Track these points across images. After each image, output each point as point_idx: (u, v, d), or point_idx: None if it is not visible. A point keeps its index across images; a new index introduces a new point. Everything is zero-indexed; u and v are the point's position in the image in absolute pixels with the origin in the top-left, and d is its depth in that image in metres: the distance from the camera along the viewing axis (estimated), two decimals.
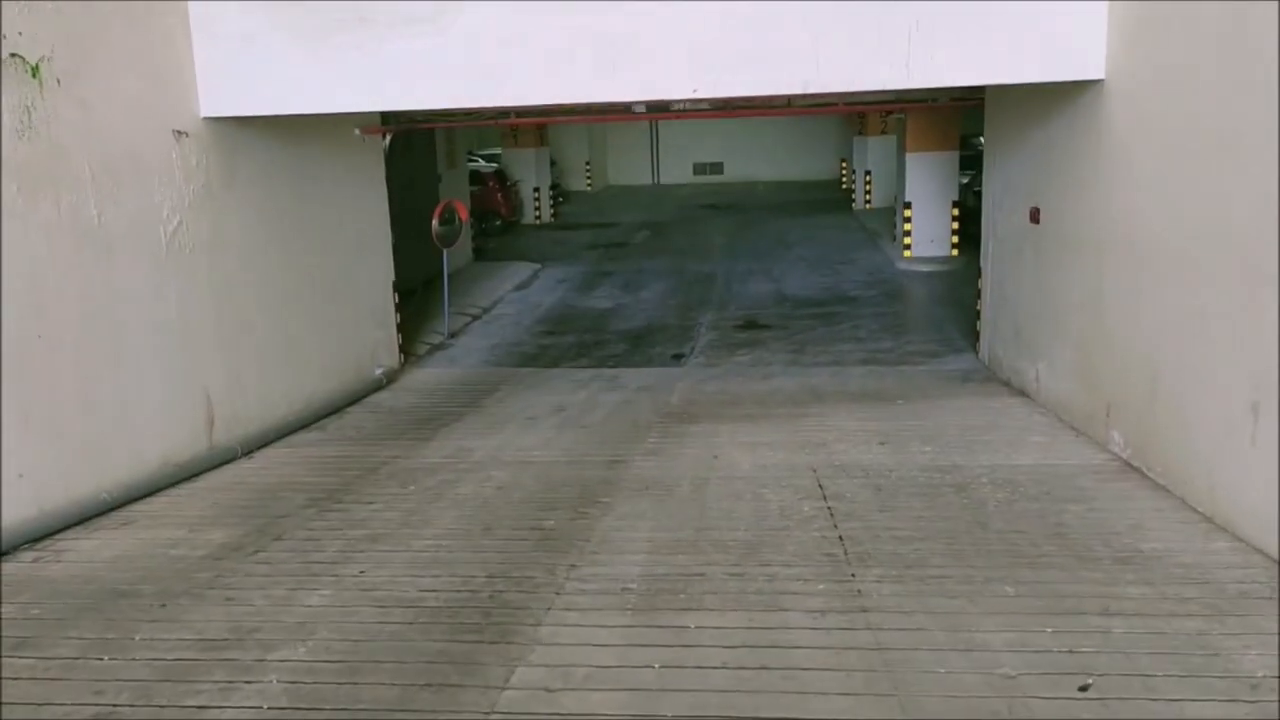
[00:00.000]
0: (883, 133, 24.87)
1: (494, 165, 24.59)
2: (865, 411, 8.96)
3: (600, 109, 12.76)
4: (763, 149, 35.39)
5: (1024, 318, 9.41)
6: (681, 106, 12.77)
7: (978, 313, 11.25)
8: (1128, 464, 6.78)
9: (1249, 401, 5.19)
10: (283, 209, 8.96)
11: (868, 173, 25.27)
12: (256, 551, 5.75)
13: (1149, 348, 6.47)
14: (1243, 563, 4.99)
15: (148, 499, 6.86)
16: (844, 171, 31.38)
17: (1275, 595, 4.58)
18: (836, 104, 12.83)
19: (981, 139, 20.76)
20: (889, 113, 19.64)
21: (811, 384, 10.31)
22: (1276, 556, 4.89)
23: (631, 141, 36.48)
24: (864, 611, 4.64)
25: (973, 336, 11.66)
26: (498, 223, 23.14)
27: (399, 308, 11.52)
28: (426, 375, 11.39)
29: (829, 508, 6.14)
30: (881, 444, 7.69)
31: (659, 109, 12.72)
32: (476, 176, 22.49)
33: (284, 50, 7.69)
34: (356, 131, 10.51)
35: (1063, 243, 8.22)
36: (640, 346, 12.68)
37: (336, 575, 5.33)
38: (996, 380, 10.08)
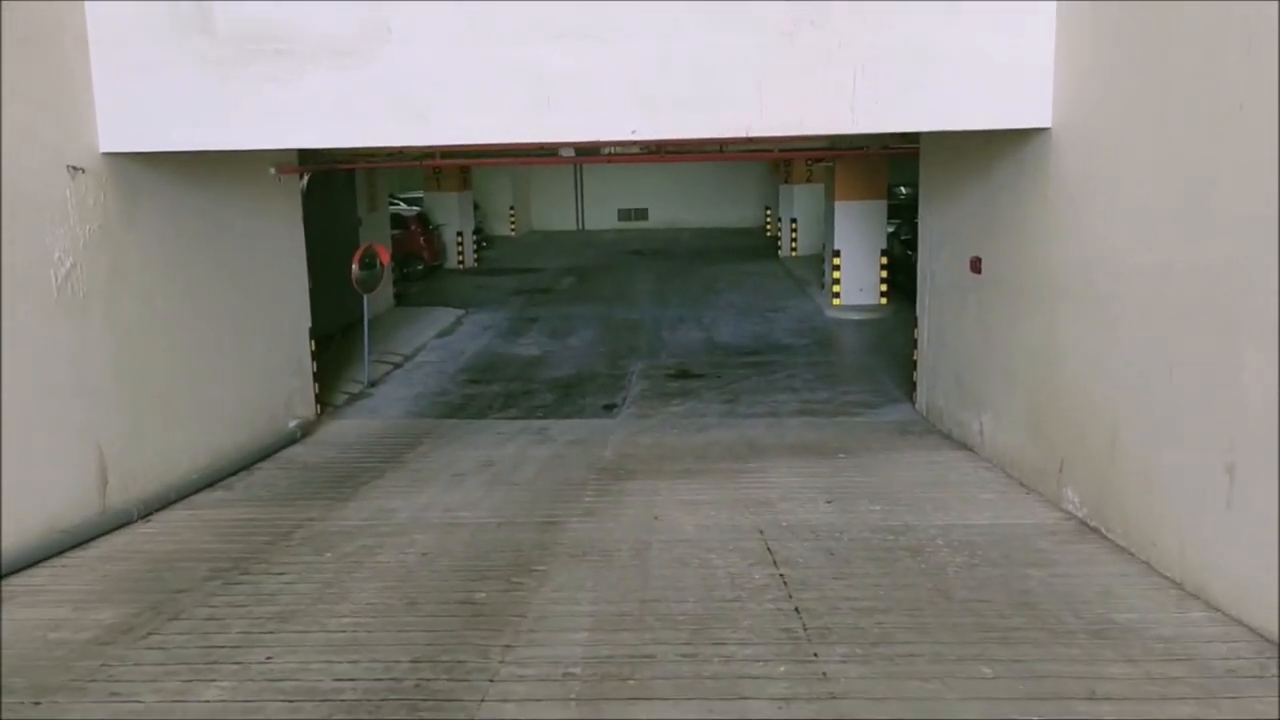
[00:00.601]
0: (808, 181, 24.95)
1: (416, 208, 24.04)
2: (807, 466, 8.62)
3: (530, 151, 12.41)
4: (688, 196, 35.37)
5: (966, 369, 9.21)
6: (611, 150, 12.50)
7: (914, 362, 11.05)
8: (1085, 524, 6.51)
9: (1223, 462, 4.94)
10: (190, 251, 8.36)
11: (793, 220, 25.30)
12: (149, 634, 5.12)
13: (1108, 402, 6.24)
14: (1224, 635, 4.70)
15: (30, 570, 6.17)
16: (768, 219, 31.48)
17: (1267, 674, 4.28)
18: (771, 150, 12.66)
19: (903, 189, 21.12)
20: (819, 160, 19.64)
21: (749, 436, 9.96)
22: (1276, 636, 4.57)
23: (556, 187, 36.19)
24: (833, 699, 4.22)
25: (909, 386, 11.47)
26: (420, 267, 22.59)
27: (316, 355, 10.91)
28: (345, 427, 10.78)
29: (781, 575, 5.73)
30: (828, 502, 7.34)
31: (589, 152, 12.40)
32: (399, 220, 21.92)
33: (193, 82, 7.15)
34: (272, 171, 9.96)
35: (1009, 292, 8.03)
36: (570, 396, 12.23)
37: (240, 663, 4.74)
38: (937, 432, 9.85)
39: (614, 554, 6.25)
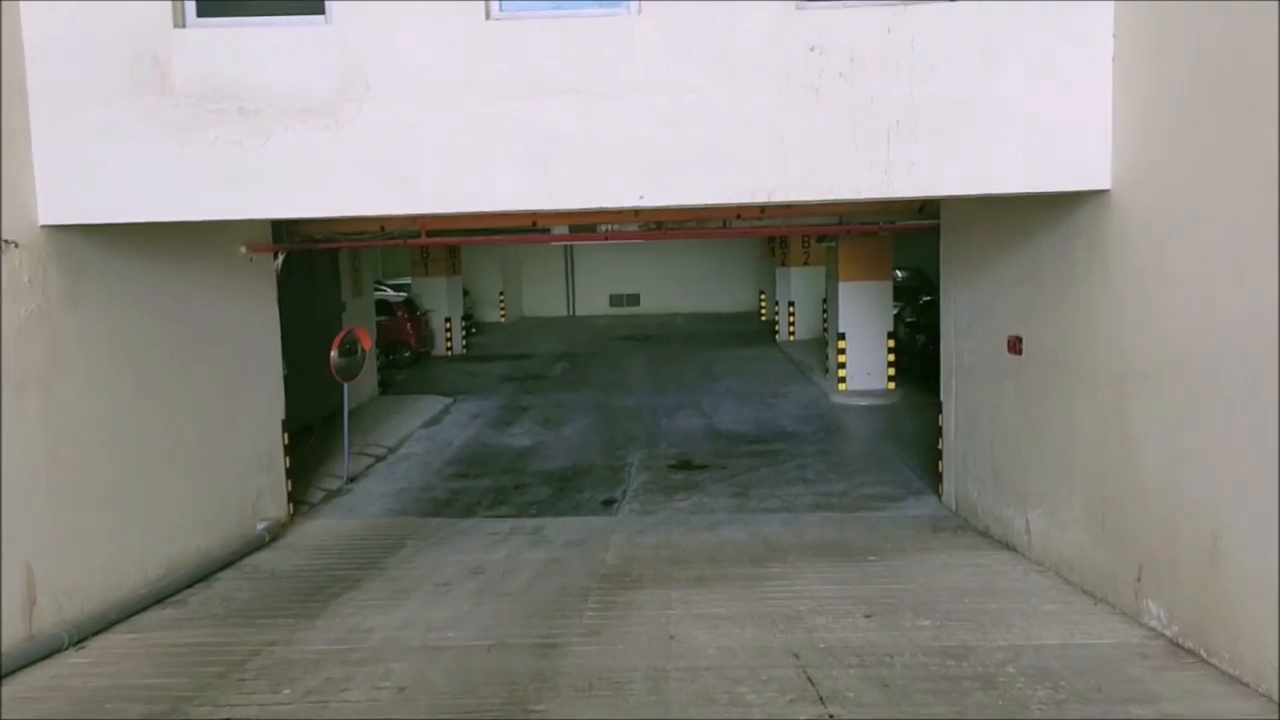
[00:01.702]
0: (806, 263, 24.35)
1: (403, 294, 23.31)
2: (834, 570, 7.69)
3: (523, 228, 11.67)
4: (680, 280, 34.80)
5: (1006, 459, 8.33)
6: (608, 228, 11.77)
7: (939, 451, 10.17)
8: (1176, 644, 5.59)
9: None
10: (145, 335, 7.50)
11: (791, 304, 24.62)
12: None
13: (1206, 498, 5.35)
14: None
15: None
16: (763, 303, 30.85)
17: None
18: (779, 225, 11.95)
19: (899, 271, 20.44)
20: (824, 238, 18.98)
21: (764, 535, 9.02)
22: None
23: (547, 271, 35.59)
24: None
25: (932, 477, 10.60)
26: (407, 354, 21.75)
27: (291, 449, 9.99)
28: (320, 528, 9.79)
29: (830, 718, 4.76)
30: (867, 616, 6.39)
31: (584, 229, 11.67)
32: (385, 305, 21.16)
33: (147, 146, 6.37)
34: (242, 249, 9.15)
35: (1060, 374, 7.20)
36: (566, 491, 11.28)
37: None
38: (971, 529, 8.94)
39: (625, 687, 5.28)
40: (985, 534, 8.72)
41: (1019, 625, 6.08)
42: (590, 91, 6.31)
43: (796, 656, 5.63)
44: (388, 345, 20.91)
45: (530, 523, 9.83)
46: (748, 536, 8.96)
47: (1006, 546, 8.19)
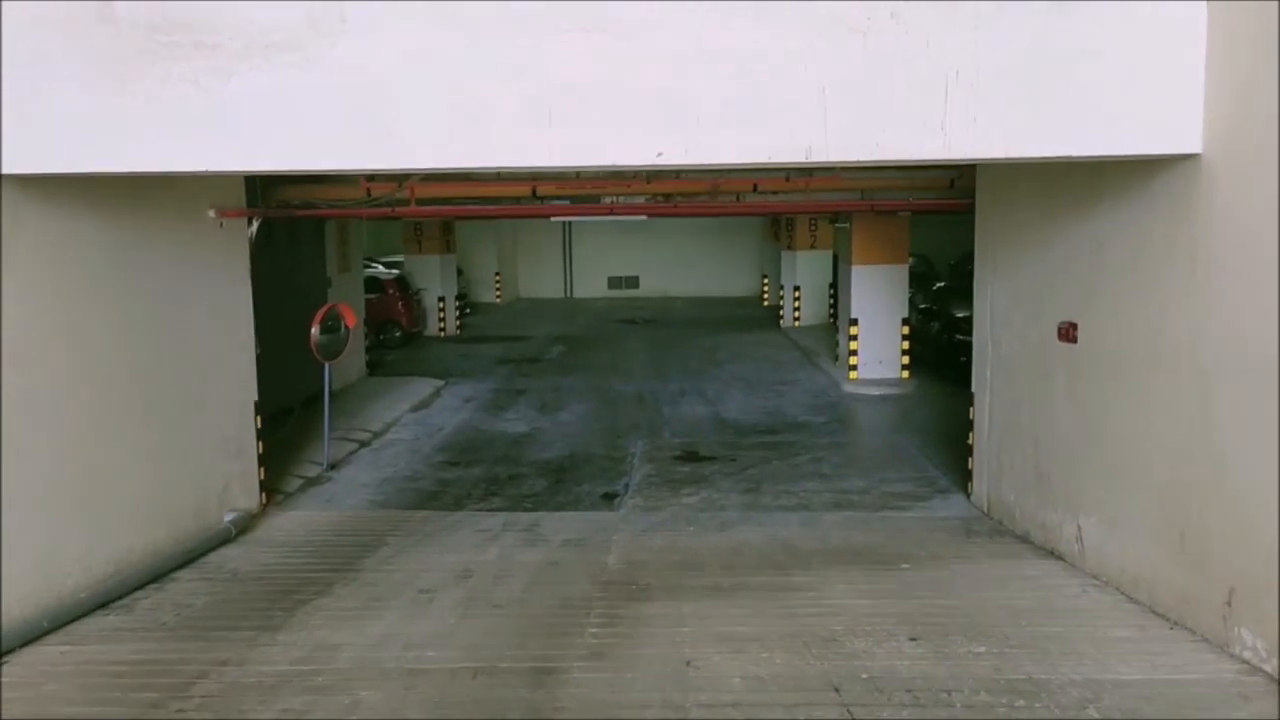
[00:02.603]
0: (812, 246, 23.52)
1: (395, 271, 22.42)
2: (867, 580, 6.88)
3: (521, 197, 10.79)
4: (680, 263, 33.91)
5: (1053, 458, 7.50)
6: (614, 199, 10.90)
7: (968, 447, 9.34)
8: (1276, 680, 4.76)
9: None
10: (92, 306, 6.64)
11: (796, 288, 23.76)
12: None
13: None
14: None
15: None
16: (766, 287, 30.00)
17: None
18: (797, 200, 11.09)
19: (910, 257, 19.59)
20: (834, 219, 18.11)
21: (783, 537, 8.21)
22: None
23: (544, 252, 34.67)
24: None
25: (958, 474, 9.81)
26: (397, 334, 20.92)
27: (266, 433, 9.15)
28: (294, 521, 8.95)
29: None
30: (913, 640, 5.57)
31: (587, 199, 10.78)
32: (375, 283, 20.31)
33: (86, 86, 5.49)
34: (211, 213, 8.28)
35: (1127, 367, 6.36)
36: (563, 482, 10.44)
37: None
38: (1009, 533, 8.13)
39: None
40: (1024, 539, 7.91)
41: (1091, 655, 5.25)
42: (602, 29, 5.43)
43: (837, 691, 4.81)
44: (378, 324, 20.06)
45: (525, 518, 9.00)
46: (764, 538, 8.14)
47: (1052, 555, 7.39)
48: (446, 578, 7.07)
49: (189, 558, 7.50)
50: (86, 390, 6.54)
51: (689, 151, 5.56)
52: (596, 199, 10.77)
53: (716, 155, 5.60)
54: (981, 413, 9.02)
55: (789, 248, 24.22)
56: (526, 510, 9.32)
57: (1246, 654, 5.08)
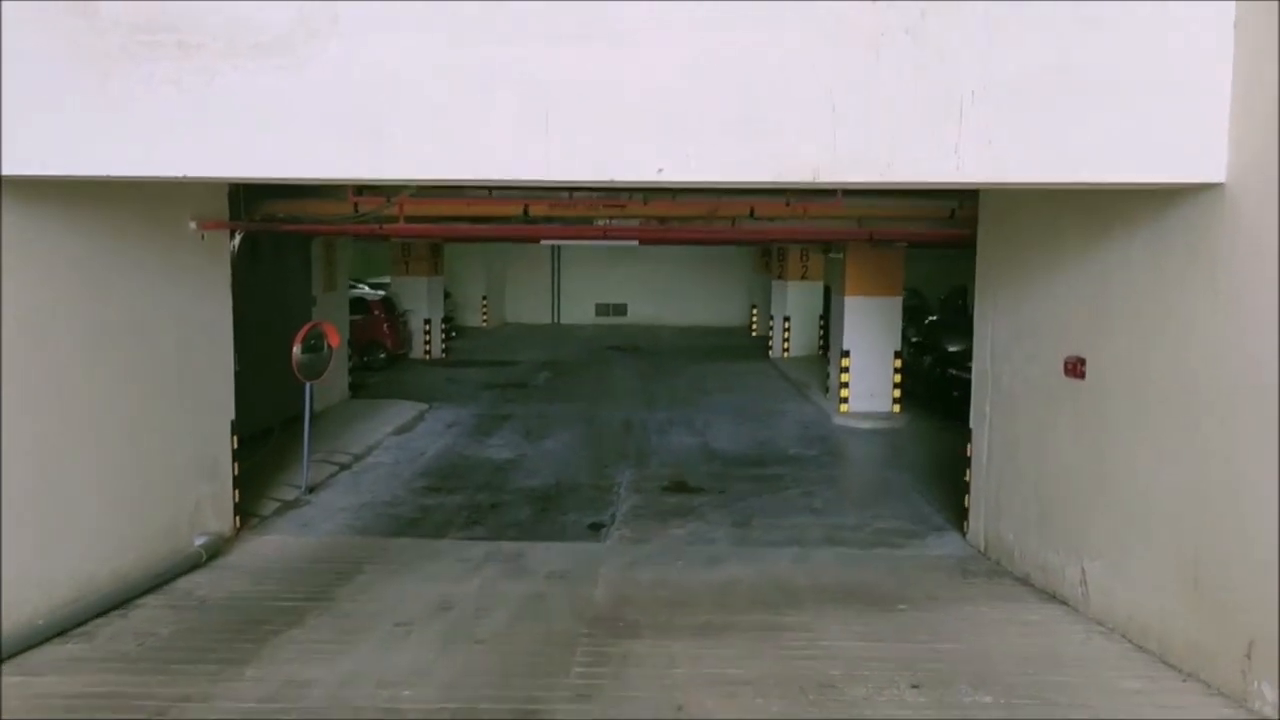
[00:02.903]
0: (803, 277, 23.36)
1: (381, 293, 22.13)
2: (863, 622, 6.60)
3: (512, 218, 10.55)
4: (669, 292, 33.76)
5: (1056, 498, 7.27)
6: (605, 221, 10.68)
7: (965, 484, 9.10)
8: None
9: None
10: (58, 317, 6.34)
11: (786, 319, 23.58)
12: None
13: None
14: None
15: None
16: (754, 318, 29.83)
17: None
18: (793, 226, 10.89)
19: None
20: (827, 249, 17.96)
21: (775, 574, 7.92)
22: None
23: (532, 278, 34.46)
24: None
25: (953, 511, 9.56)
26: (382, 356, 20.59)
27: (242, 454, 8.83)
28: (268, 546, 8.61)
29: None
30: (914, 687, 5.30)
31: (580, 221, 10.56)
32: (361, 303, 20.00)
33: (60, 83, 5.23)
34: (192, 225, 8.00)
35: (1139, 402, 6.14)
36: (548, 511, 10.13)
37: None
38: (1007, 574, 7.88)
39: None
40: (1024, 581, 7.65)
41: (1103, 709, 5.00)
42: (600, 36, 5.21)
43: None
44: (362, 345, 19.74)
45: (508, 547, 8.69)
46: (756, 575, 7.86)
47: (1054, 598, 7.13)
48: (425, 609, 6.76)
49: (157, 583, 7.16)
50: (49, 404, 6.23)
51: (691, 169, 5.34)
52: (589, 221, 10.54)
53: (720, 173, 5.38)
54: (979, 449, 8.79)
55: (780, 277, 24.07)
56: (510, 540, 9.01)
57: (1267, 710, 4.83)
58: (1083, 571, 6.79)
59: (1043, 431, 7.52)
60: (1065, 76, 5.18)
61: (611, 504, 10.40)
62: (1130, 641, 6.07)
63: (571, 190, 9.39)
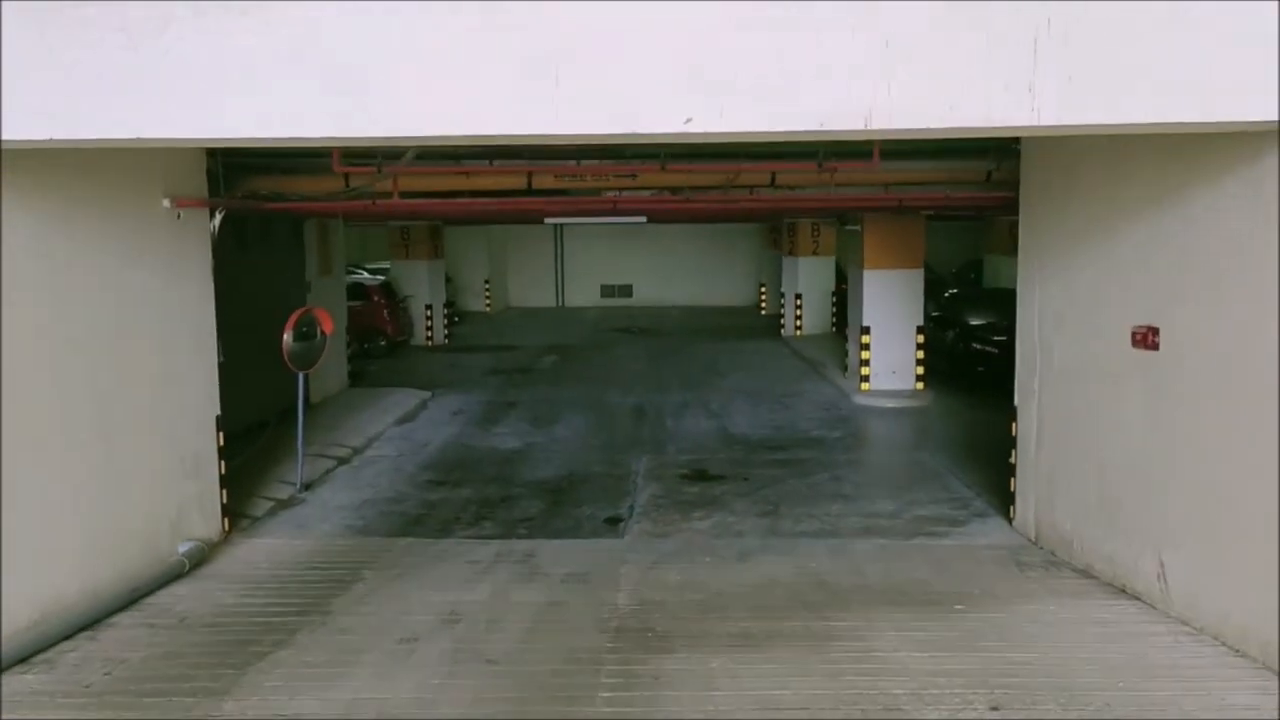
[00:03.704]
0: (815, 253, 22.61)
1: (381, 278, 21.42)
2: (920, 627, 5.92)
3: (515, 191, 9.81)
4: (675, 271, 33.00)
5: (1126, 482, 6.56)
6: (616, 191, 9.95)
7: (1010, 466, 8.40)
8: None
9: None
10: (13, 308, 5.63)
11: (798, 296, 22.83)
12: None
13: None
14: None
15: None
16: (763, 296, 29.09)
17: None
18: (819, 193, 10.15)
19: None
20: (845, 221, 17.19)
21: (813, 569, 7.25)
22: None
23: (535, 260, 33.72)
24: None
25: (995, 494, 8.90)
26: (382, 343, 19.90)
27: (232, 450, 8.15)
28: (259, 551, 7.93)
29: None
30: (994, 709, 4.61)
31: (587, 192, 9.82)
32: (359, 289, 19.30)
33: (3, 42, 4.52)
34: (166, 203, 7.29)
35: (1231, 376, 5.43)
36: (561, 504, 9.45)
37: None
38: (1066, 565, 7.19)
39: None
40: (1086, 574, 6.97)
41: None
42: None
43: None
44: (362, 332, 19.03)
45: (520, 546, 8.02)
46: (793, 572, 7.18)
47: (1123, 593, 6.45)
48: (431, 623, 6.08)
49: (133, 597, 6.49)
50: (4, 404, 5.54)
51: (724, 117, 4.61)
52: (597, 192, 9.81)
53: (757, 122, 4.65)
54: (1027, 428, 8.08)
55: (790, 253, 23.30)
56: (521, 537, 8.33)
57: None
58: (1160, 564, 6.10)
59: (1106, 408, 6.81)
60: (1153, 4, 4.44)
61: (628, 495, 9.72)
62: (1224, 644, 5.38)
63: (579, 157, 8.66)
